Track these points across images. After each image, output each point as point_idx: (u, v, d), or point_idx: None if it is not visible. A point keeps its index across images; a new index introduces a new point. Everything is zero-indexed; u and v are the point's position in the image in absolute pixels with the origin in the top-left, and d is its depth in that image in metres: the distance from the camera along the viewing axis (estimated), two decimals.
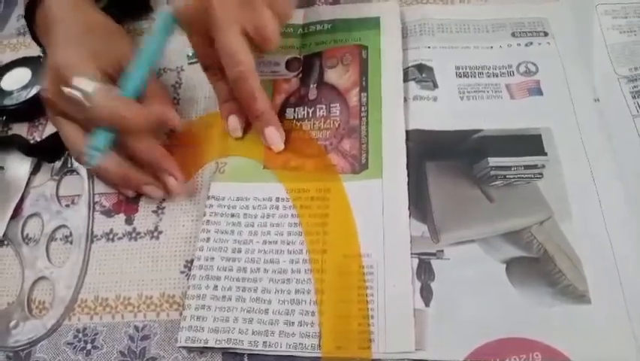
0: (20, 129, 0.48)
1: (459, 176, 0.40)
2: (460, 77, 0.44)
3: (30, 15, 0.44)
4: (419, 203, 0.39)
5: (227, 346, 0.35)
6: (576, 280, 0.35)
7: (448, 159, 0.41)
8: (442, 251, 0.37)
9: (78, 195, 0.44)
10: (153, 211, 0.42)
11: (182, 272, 0.39)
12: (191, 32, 0.41)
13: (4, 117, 0.48)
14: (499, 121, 0.42)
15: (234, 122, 0.43)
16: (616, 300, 0.34)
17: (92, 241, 0.42)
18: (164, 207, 0.42)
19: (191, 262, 0.39)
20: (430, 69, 0.45)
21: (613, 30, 0.45)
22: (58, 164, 0.45)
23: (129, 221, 0.42)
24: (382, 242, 0.37)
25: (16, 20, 0.56)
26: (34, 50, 0.49)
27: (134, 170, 0.41)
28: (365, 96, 0.44)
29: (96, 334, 0.38)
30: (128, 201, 0.43)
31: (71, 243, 0.42)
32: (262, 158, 0.42)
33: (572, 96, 0.42)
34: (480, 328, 0.34)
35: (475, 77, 0.44)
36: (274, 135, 0.42)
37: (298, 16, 0.49)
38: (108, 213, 0.43)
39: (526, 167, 0.39)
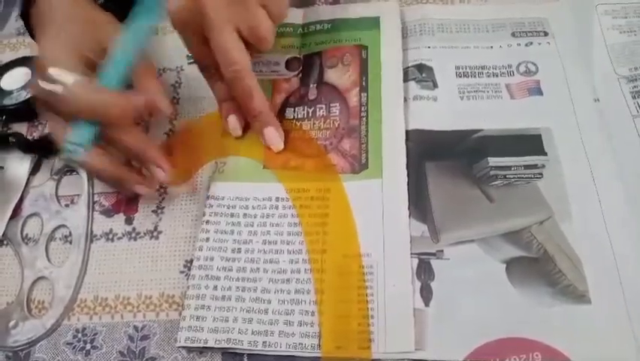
0: (20, 129, 0.48)
1: (459, 176, 0.40)
2: (460, 76, 0.44)
3: (27, 14, 0.44)
4: (419, 203, 0.39)
5: (226, 346, 0.35)
6: (576, 280, 0.35)
7: (447, 159, 0.41)
8: (442, 251, 0.37)
9: (77, 195, 0.44)
10: (153, 211, 0.42)
11: (181, 272, 0.39)
12: (186, 34, 0.41)
13: (4, 117, 0.48)
14: (499, 121, 0.42)
15: (234, 122, 0.43)
16: (616, 300, 0.34)
17: (91, 241, 0.42)
18: (163, 208, 0.42)
19: (191, 262, 0.39)
20: (430, 69, 0.45)
21: (613, 30, 0.45)
22: (57, 164, 0.45)
23: (129, 221, 0.42)
24: (382, 242, 0.37)
25: (16, 20, 0.55)
26: (34, 50, 0.49)
27: (125, 170, 0.40)
28: (365, 96, 0.43)
29: (95, 334, 0.38)
30: (127, 201, 0.43)
31: (71, 243, 0.42)
32: (262, 158, 0.42)
33: (572, 96, 0.42)
34: (480, 328, 0.34)
35: (475, 76, 0.44)
36: (273, 135, 0.42)
37: (298, 16, 0.49)
38: (108, 213, 0.43)
39: (526, 167, 0.39)
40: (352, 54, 0.46)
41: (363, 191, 0.39)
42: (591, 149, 0.40)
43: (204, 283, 0.38)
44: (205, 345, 0.35)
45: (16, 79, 0.48)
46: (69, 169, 0.45)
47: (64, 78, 0.36)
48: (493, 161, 0.40)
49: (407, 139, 0.41)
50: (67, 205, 0.44)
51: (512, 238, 0.37)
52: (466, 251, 0.37)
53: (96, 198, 0.44)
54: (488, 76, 0.44)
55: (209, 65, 0.41)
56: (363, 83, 0.44)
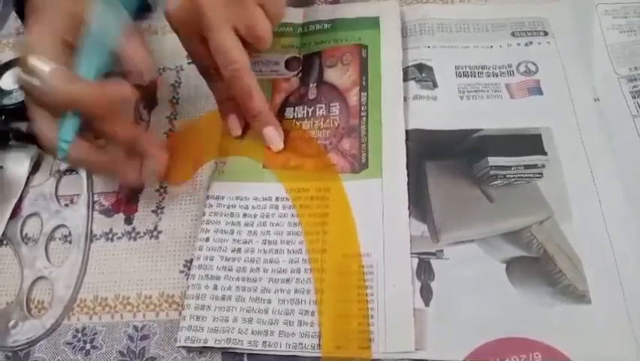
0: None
1: (459, 176, 0.40)
2: (460, 76, 0.44)
3: (22, 9, 0.43)
4: (419, 203, 0.39)
5: (226, 346, 0.35)
6: (576, 280, 0.35)
7: (447, 159, 0.41)
8: (442, 251, 0.37)
9: (77, 195, 0.44)
10: (153, 211, 0.42)
11: (181, 272, 0.39)
12: (184, 34, 0.41)
13: (4, 116, 0.47)
14: (499, 121, 0.42)
15: (233, 122, 0.43)
16: (616, 300, 0.34)
17: (91, 241, 0.42)
18: (163, 207, 0.42)
19: (191, 261, 0.39)
20: (430, 69, 0.45)
21: (613, 30, 0.45)
22: (56, 164, 0.45)
23: (128, 221, 0.42)
24: (382, 242, 0.37)
25: (15, 19, 0.55)
26: None
27: (118, 161, 0.38)
28: (365, 96, 0.43)
29: (95, 334, 0.38)
30: (127, 201, 0.43)
31: (70, 242, 0.42)
32: (262, 157, 0.42)
33: (571, 96, 0.42)
34: (480, 328, 0.34)
35: (474, 76, 0.44)
36: (273, 135, 0.42)
37: (298, 16, 0.49)
38: (107, 212, 0.43)
39: (526, 166, 0.39)
40: (352, 54, 0.46)
41: (363, 191, 0.39)
42: (591, 149, 0.40)
43: (204, 282, 0.38)
44: (205, 345, 0.35)
45: (15, 78, 0.47)
46: (69, 169, 0.45)
47: (41, 66, 0.35)
48: (493, 161, 0.40)
49: (407, 139, 0.41)
50: (66, 205, 0.44)
51: (512, 238, 0.37)
52: (466, 251, 0.37)
53: (96, 197, 0.44)
54: (488, 76, 0.44)
55: (208, 65, 0.41)
56: (363, 83, 0.44)
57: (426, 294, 0.36)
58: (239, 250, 0.39)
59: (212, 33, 0.38)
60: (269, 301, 0.36)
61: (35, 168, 0.45)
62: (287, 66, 0.47)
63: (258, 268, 0.38)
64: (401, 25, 0.47)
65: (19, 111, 0.47)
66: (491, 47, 0.46)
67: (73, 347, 0.38)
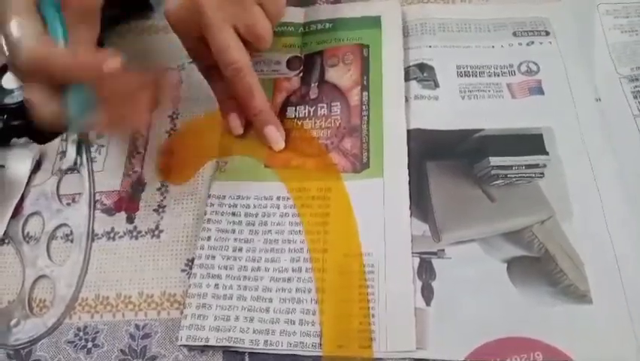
0: None
1: (460, 175, 0.40)
2: (462, 76, 0.44)
3: None
4: (420, 202, 0.39)
5: (228, 345, 0.35)
6: (577, 279, 0.35)
7: (449, 159, 0.41)
8: (443, 250, 0.37)
9: (79, 194, 0.44)
10: (154, 210, 0.42)
11: (183, 271, 0.39)
12: (184, 34, 0.41)
13: (5, 116, 0.48)
14: (500, 120, 0.42)
15: (235, 121, 0.43)
16: (617, 300, 0.34)
17: (92, 240, 0.42)
18: (165, 206, 0.42)
19: (192, 260, 0.39)
20: (431, 68, 0.45)
21: (614, 30, 0.45)
22: (57, 163, 0.45)
23: (130, 220, 0.42)
24: (383, 241, 0.37)
25: None
26: None
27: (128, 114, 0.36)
28: (366, 95, 0.43)
29: (97, 332, 0.38)
30: (129, 200, 0.43)
31: (72, 241, 0.42)
32: (263, 157, 0.42)
33: (573, 96, 0.42)
34: (481, 327, 0.34)
35: (476, 76, 0.44)
36: (274, 134, 0.42)
37: (299, 15, 0.49)
38: (109, 211, 0.43)
39: (528, 166, 0.39)
40: (353, 53, 0.46)
41: (365, 190, 0.39)
42: (592, 148, 0.40)
43: (205, 281, 0.38)
44: (206, 344, 0.35)
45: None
46: (70, 168, 0.45)
47: (16, 31, 0.32)
48: (494, 160, 0.40)
49: (408, 138, 0.41)
50: (68, 204, 0.44)
51: (513, 238, 0.37)
52: (467, 251, 0.37)
53: (97, 196, 0.44)
54: (489, 75, 0.44)
55: (209, 64, 0.41)
56: (365, 83, 0.44)
57: (427, 293, 0.36)
58: (240, 249, 0.39)
59: (212, 32, 0.38)
60: (270, 301, 0.36)
61: (37, 167, 0.45)
62: (288, 66, 0.47)
63: (259, 268, 0.38)
64: (402, 25, 0.47)
65: (21, 110, 0.47)
66: (492, 46, 0.46)
67: (75, 346, 0.38)
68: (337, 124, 0.43)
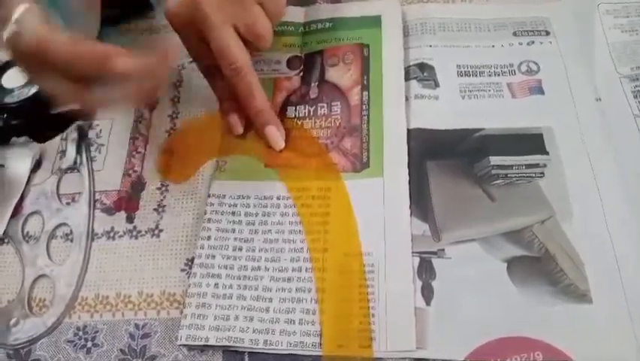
0: None
1: (460, 175, 0.40)
2: (462, 75, 0.44)
3: None
4: (420, 202, 0.39)
5: (227, 344, 0.35)
6: (577, 279, 0.35)
7: (449, 158, 0.41)
8: (443, 250, 0.37)
9: (79, 193, 0.44)
10: (154, 209, 0.42)
11: (182, 270, 0.39)
12: (184, 33, 0.41)
13: (5, 115, 0.48)
14: (500, 120, 0.42)
15: (235, 120, 0.43)
16: (617, 300, 0.34)
17: (92, 239, 0.42)
18: (164, 206, 0.42)
19: (192, 260, 0.39)
20: (432, 68, 0.45)
21: (615, 29, 0.45)
22: (57, 163, 0.45)
23: (130, 219, 0.42)
24: (383, 241, 0.37)
25: None
26: None
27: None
28: (366, 95, 0.43)
29: (96, 332, 0.38)
30: (129, 199, 0.43)
31: (72, 241, 0.42)
32: (263, 156, 0.42)
33: (573, 95, 0.42)
34: (481, 327, 0.34)
35: (476, 76, 0.44)
36: (274, 134, 0.42)
37: (299, 15, 0.49)
38: (109, 211, 0.43)
39: (528, 166, 0.39)
40: (353, 53, 0.46)
41: (365, 190, 0.39)
42: (593, 148, 0.40)
43: (205, 281, 0.38)
44: (206, 343, 0.35)
45: (17, 77, 0.48)
46: (70, 167, 0.45)
47: (18, 19, 0.33)
48: (494, 160, 0.40)
49: (408, 138, 0.41)
50: (68, 203, 0.44)
51: (513, 237, 0.37)
52: (468, 250, 0.37)
53: (97, 196, 0.44)
54: (490, 75, 0.44)
55: (209, 64, 0.41)
56: (365, 82, 0.44)
57: (427, 293, 0.36)
58: (240, 248, 0.39)
59: (212, 32, 0.38)
60: (270, 300, 0.36)
61: (37, 166, 0.46)
62: (288, 65, 0.47)
63: (259, 267, 0.38)
64: (402, 25, 0.47)
65: (21, 110, 0.47)
66: (493, 46, 0.46)
67: (75, 345, 0.38)
68: (337, 124, 0.43)
